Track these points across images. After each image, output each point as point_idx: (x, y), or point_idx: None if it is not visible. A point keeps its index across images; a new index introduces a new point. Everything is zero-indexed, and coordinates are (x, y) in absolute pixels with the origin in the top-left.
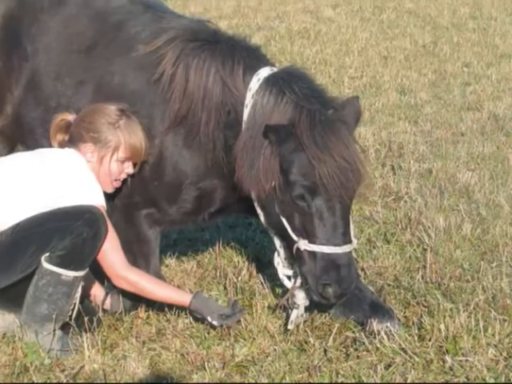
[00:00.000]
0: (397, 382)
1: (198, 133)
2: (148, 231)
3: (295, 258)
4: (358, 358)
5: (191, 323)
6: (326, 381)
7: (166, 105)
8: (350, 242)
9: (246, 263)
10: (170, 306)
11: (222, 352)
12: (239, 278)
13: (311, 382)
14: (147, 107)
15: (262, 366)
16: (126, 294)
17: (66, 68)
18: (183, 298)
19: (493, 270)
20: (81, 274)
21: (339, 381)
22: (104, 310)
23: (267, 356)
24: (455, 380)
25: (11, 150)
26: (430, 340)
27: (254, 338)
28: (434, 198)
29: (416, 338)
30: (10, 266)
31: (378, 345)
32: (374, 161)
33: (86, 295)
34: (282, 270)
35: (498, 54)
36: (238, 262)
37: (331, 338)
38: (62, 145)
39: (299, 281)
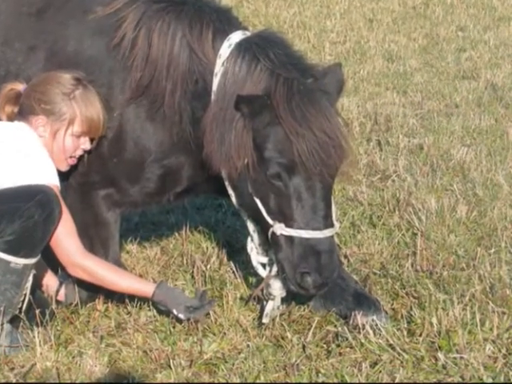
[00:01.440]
0: (384, 381)
1: (163, 104)
2: (107, 214)
3: (270, 243)
4: (341, 354)
5: (155, 316)
6: (305, 380)
7: (127, 73)
8: (331, 225)
9: (216, 249)
10: (131, 298)
11: (189, 348)
12: (208, 266)
13: (288, 381)
14: (106, 76)
15: (233, 364)
16: (82, 283)
17: (16, 32)
18: (146, 288)
19: (491, 256)
20: (32, 261)
21: (319, 380)
22: (58, 302)
23: (239, 353)
24: (449, 379)
25: None
26: (420, 335)
27: (225, 333)
28: (425, 176)
29: (405, 332)
30: None
31: (363, 340)
32: (358, 135)
33: (37, 285)
34: (256, 256)
35: (496, 16)
36: (207, 247)
37: (310, 332)
38: (10, 118)
39: (275, 269)
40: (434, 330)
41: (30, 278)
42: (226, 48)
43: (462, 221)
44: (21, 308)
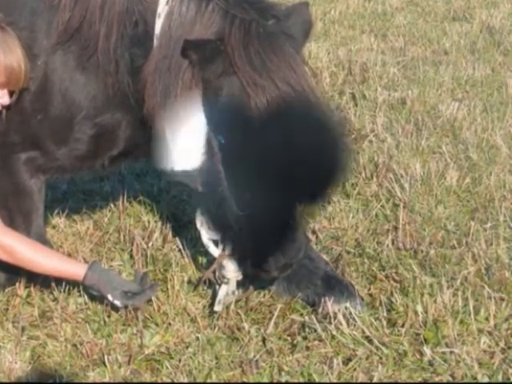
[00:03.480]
0: (359, 381)
1: (96, 50)
2: (29, 181)
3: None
4: (308, 349)
5: (86, 303)
6: (265, 379)
7: (53, 13)
8: None
9: (159, 224)
10: (59, 281)
11: (127, 342)
12: (150, 244)
13: (245, 381)
14: (28, 17)
15: (179, 361)
16: None
17: None
18: (75, 269)
19: (486, 232)
20: None
21: (282, 379)
22: None
23: (187, 347)
24: (436, 378)
25: None
26: (403, 326)
27: (170, 323)
28: (408, 137)
29: (385, 323)
30: None
31: (334, 332)
32: (329, 88)
33: None
34: (207, 232)
35: None
36: (149, 221)
37: (272, 323)
38: None
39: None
40: (419, 319)
41: None
42: None
43: (452, 189)
44: None
